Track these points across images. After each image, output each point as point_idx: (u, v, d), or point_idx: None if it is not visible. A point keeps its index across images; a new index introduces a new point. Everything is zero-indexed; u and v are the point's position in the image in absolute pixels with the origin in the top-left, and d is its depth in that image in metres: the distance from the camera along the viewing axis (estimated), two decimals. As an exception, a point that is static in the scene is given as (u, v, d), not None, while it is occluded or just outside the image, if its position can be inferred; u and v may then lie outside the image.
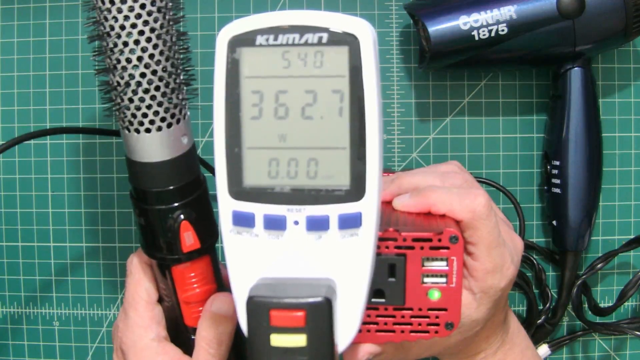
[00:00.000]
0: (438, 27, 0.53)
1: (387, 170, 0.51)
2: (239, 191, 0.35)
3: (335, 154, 0.34)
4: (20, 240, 0.61)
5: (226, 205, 0.35)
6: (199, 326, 0.42)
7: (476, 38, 0.52)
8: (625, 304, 0.59)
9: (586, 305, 0.59)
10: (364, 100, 0.33)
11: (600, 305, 0.59)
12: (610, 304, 0.59)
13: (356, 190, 0.34)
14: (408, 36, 0.59)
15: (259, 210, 0.35)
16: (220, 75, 0.34)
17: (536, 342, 0.59)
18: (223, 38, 0.34)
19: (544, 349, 0.60)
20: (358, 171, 0.34)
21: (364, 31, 0.33)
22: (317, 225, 0.34)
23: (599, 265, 0.57)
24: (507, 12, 0.52)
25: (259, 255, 0.35)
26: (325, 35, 0.33)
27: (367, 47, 0.33)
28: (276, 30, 0.33)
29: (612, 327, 0.58)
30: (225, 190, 0.35)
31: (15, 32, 0.60)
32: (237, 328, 0.36)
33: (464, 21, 0.52)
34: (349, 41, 0.33)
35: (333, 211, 0.34)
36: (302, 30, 0.33)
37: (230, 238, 0.35)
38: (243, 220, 0.35)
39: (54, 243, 0.61)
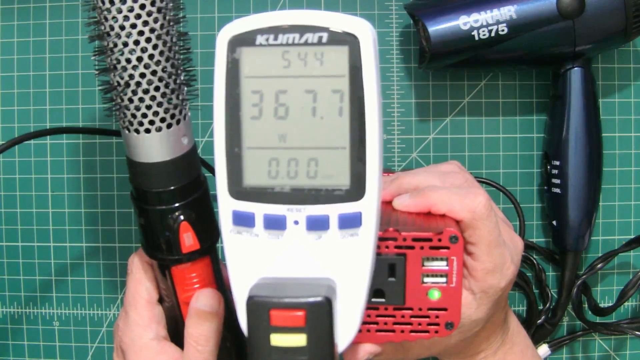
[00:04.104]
0: (438, 27, 0.53)
1: (387, 170, 0.51)
2: (239, 191, 0.35)
3: (335, 153, 0.34)
4: (20, 240, 0.61)
5: (226, 205, 0.35)
6: (186, 324, 0.42)
7: (476, 38, 0.52)
8: (625, 304, 0.59)
9: (586, 305, 0.59)
10: (364, 100, 0.33)
11: (600, 305, 0.59)
12: (610, 304, 0.59)
13: (356, 190, 0.34)
14: (408, 36, 0.59)
15: (259, 210, 0.35)
16: (220, 75, 0.34)
17: (536, 342, 0.59)
18: (223, 38, 0.34)
19: (544, 349, 0.60)
20: (358, 171, 0.34)
21: (364, 31, 0.33)
22: (317, 225, 0.34)
23: (599, 265, 0.57)
24: (507, 12, 0.52)
25: (259, 255, 0.35)
26: (325, 35, 0.33)
27: (367, 46, 0.33)
28: (276, 30, 0.33)
29: (612, 327, 0.58)
30: (225, 190, 0.35)
31: (15, 32, 0.60)
32: (238, 328, 0.36)
33: (464, 21, 0.52)
34: (349, 41, 0.33)
35: (333, 211, 0.34)
36: (302, 30, 0.33)
37: (230, 238, 0.36)
38: (243, 220, 0.35)
39: (54, 243, 0.61)
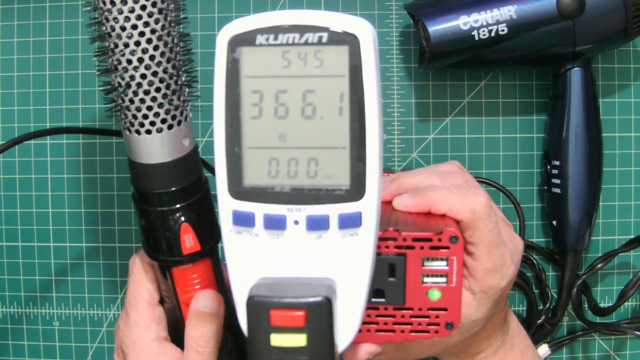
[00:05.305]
0: (438, 27, 0.53)
1: (387, 170, 0.51)
2: (239, 191, 0.35)
3: (335, 153, 0.34)
4: (20, 240, 0.61)
5: (226, 205, 0.35)
6: (187, 325, 0.42)
7: (476, 38, 0.52)
8: (625, 304, 0.59)
9: (586, 305, 0.59)
10: (364, 100, 0.33)
11: (600, 305, 0.59)
12: (610, 304, 0.59)
13: (356, 190, 0.34)
14: (408, 36, 0.59)
15: (259, 209, 0.35)
16: (220, 75, 0.34)
17: (536, 342, 0.59)
18: (223, 38, 0.34)
19: (544, 349, 0.60)
20: (358, 171, 0.34)
21: (364, 31, 0.33)
22: (317, 224, 0.34)
23: (599, 265, 0.57)
24: (507, 12, 0.52)
25: (259, 255, 0.35)
26: (325, 35, 0.33)
27: (367, 46, 0.33)
28: (276, 30, 0.33)
29: (612, 327, 0.58)
30: (225, 189, 0.35)
31: (15, 32, 0.60)
32: (239, 328, 0.36)
33: (464, 21, 0.52)
34: (349, 41, 0.33)
35: (333, 211, 0.34)
36: (302, 29, 0.33)
37: (230, 238, 0.35)
38: (243, 220, 0.35)
39: (54, 243, 0.61)
